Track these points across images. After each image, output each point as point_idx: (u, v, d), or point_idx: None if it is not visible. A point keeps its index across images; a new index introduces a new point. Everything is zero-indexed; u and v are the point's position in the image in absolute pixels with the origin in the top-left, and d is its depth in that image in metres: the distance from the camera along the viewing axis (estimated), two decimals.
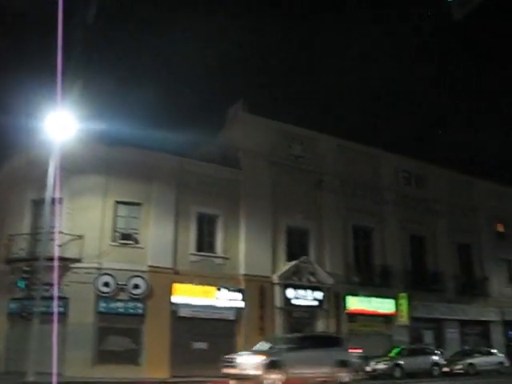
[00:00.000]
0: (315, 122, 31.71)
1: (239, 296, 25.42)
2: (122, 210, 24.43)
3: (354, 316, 29.28)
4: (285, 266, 27.02)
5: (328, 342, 21.37)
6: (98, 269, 23.05)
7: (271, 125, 29.40)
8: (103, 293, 22.89)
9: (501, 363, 29.63)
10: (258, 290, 25.97)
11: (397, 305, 30.53)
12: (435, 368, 26.70)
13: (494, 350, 30.99)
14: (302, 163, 29.84)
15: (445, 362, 27.46)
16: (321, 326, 27.65)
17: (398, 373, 24.83)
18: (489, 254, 37.49)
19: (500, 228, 39.56)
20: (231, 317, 25.34)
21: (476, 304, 35.08)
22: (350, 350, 21.78)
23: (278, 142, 29.28)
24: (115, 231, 24.07)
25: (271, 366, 18.25)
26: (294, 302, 26.73)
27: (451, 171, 37.60)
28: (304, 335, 21.69)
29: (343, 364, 20.54)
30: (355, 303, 29.13)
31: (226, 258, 25.99)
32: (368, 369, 25.31)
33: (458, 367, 27.53)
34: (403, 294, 30.50)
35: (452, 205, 36.30)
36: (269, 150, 28.71)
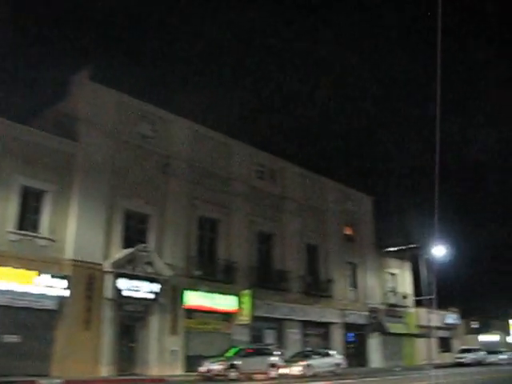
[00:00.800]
0: (171, 104, 30.31)
1: (63, 283, 23.11)
2: None
3: (193, 312, 28.28)
4: (119, 253, 25.22)
5: None
6: None
7: (119, 98, 27.61)
8: None
9: (338, 365, 30.30)
10: (86, 278, 23.91)
11: (239, 302, 30.05)
12: (273, 369, 26.49)
13: (333, 352, 31.65)
14: (150, 143, 28.39)
15: (283, 363, 27.34)
16: (155, 322, 26.24)
17: (233, 374, 24.27)
18: (335, 256, 38.63)
19: (348, 231, 40.97)
20: (52, 307, 22.93)
21: (319, 305, 35.87)
22: None
23: (124, 118, 27.56)
24: None
25: None
26: (126, 293, 24.94)
27: (305, 170, 38.26)
28: None
29: None
30: (195, 298, 28.14)
31: (52, 240, 23.56)
32: (202, 369, 24.40)
33: (296, 368, 27.54)
34: (246, 292, 30.09)
35: (303, 204, 36.95)
36: (113, 125, 26.90)
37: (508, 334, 68.55)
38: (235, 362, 24.47)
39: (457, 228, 55.91)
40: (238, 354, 25.35)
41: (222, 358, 24.80)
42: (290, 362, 28.18)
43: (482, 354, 47.49)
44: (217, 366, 24.06)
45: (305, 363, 27.89)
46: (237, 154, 33.17)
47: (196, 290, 28.21)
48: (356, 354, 38.73)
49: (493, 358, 48.37)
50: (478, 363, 44.75)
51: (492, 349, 52.55)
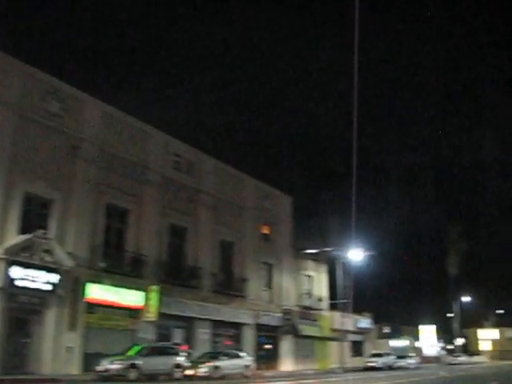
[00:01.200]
0: (85, 83, 28.37)
1: None
2: None
3: (95, 307, 26.42)
4: (14, 239, 23.04)
5: None
6: None
7: (26, 70, 25.41)
8: None
9: (247, 366, 29.41)
10: None
11: (146, 298, 28.49)
12: (177, 370, 25.21)
13: (243, 354, 30.71)
14: (58, 123, 26.34)
15: (189, 364, 25.99)
16: (52, 316, 24.21)
17: (133, 374, 22.66)
18: (251, 255, 37.75)
19: (265, 230, 40.17)
20: None
21: (232, 305, 34.80)
22: None
23: (31, 92, 25.38)
24: None
25: None
26: (19, 283, 22.76)
27: (224, 164, 37.17)
28: None
29: None
30: (98, 292, 26.35)
31: None
32: (100, 368, 22.61)
33: (203, 370, 26.35)
34: (154, 287, 28.61)
35: (220, 199, 35.81)
36: (17, 99, 24.73)
37: (417, 339, 70.51)
38: (136, 362, 22.88)
39: (372, 234, 56.46)
40: (139, 353, 23.75)
41: (121, 357, 23.13)
42: (196, 362, 26.99)
43: (391, 358, 48.09)
44: (115, 366, 22.32)
45: (212, 364, 26.78)
46: (153, 141, 31.64)
47: (100, 282, 26.41)
48: (268, 356, 38.02)
49: (402, 363, 49.22)
50: (388, 367, 45.18)
51: (401, 353, 53.55)
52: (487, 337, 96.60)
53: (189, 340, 31.48)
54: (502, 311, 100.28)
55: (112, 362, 22.48)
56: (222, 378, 26.83)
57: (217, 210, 35.29)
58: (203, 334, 32.51)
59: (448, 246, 78.62)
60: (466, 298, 79.23)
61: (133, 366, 22.61)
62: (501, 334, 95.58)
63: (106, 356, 23.68)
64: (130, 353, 23.95)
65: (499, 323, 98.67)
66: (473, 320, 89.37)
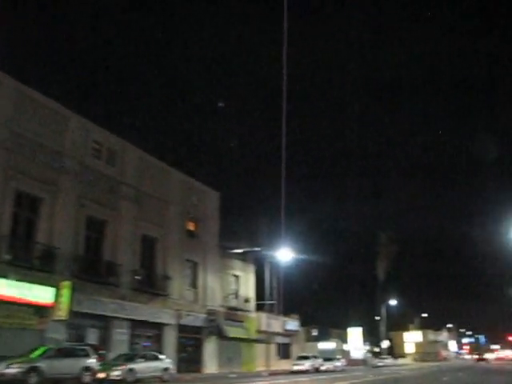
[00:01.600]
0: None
1: None
2: None
3: None
4: None
5: None
6: None
7: None
8: None
9: (166, 369, 27.73)
10: None
11: (56, 295, 26.15)
12: (87, 373, 23.26)
13: (162, 356, 29.00)
14: None
15: (100, 367, 24.00)
16: None
17: (34, 378, 20.48)
18: (175, 252, 36.09)
19: (191, 227, 38.59)
20: None
21: (153, 304, 33.04)
22: None
23: None
24: None
25: None
26: None
27: (149, 155, 35.31)
28: None
29: None
30: (1, 287, 23.81)
31: None
32: None
33: (115, 373, 24.48)
34: (66, 283, 26.36)
35: (143, 192, 33.93)
36: None
37: (346, 342, 70.55)
38: (37, 365, 20.65)
39: (301, 235, 55.69)
40: (43, 356, 21.51)
41: (21, 360, 20.76)
42: (110, 365, 25.07)
43: (318, 361, 47.24)
44: (12, 370, 19.95)
45: (126, 367, 24.86)
46: (71, 126, 29.32)
47: (3, 277, 23.90)
48: (190, 359, 36.37)
49: (329, 365, 48.46)
50: (315, 370, 44.29)
51: (329, 356, 52.91)
52: (412, 339, 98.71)
53: (105, 341, 29.44)
54: (426, 314, 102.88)
55: (8, 366, 20.07)
56: (138, 381, 25.19)
57: (139, 203, 33.35)
58: (120, 335, 30.45)
59: (377, 250, 79.38)
60: (392, 302, 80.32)
61: (33, 369, 20.37)
62: (424, 336, 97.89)
63: (8, 358, 21.33)
64: (33, 355, 21.68)
65: (423, 326, 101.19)
66: (399, 323, 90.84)
